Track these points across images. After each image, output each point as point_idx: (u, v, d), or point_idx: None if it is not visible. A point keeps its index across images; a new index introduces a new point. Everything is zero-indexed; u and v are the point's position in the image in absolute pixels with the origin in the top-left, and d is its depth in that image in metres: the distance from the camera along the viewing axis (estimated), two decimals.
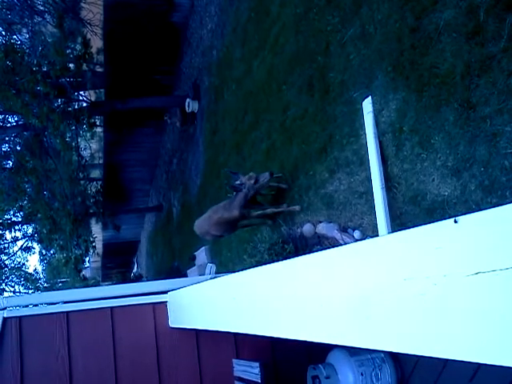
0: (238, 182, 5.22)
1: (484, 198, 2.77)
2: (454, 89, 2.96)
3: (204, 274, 8.28)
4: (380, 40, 3.78)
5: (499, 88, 2.65)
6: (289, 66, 5.53)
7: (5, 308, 2.94)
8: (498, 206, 0.72)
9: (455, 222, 0.78)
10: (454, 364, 2.35)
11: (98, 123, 11.96)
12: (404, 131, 3.45)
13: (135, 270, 26.10)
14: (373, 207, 3.70)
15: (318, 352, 2.99)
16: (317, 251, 1.23)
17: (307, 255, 1.27)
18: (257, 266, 1.63)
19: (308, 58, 5.01)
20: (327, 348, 2.97)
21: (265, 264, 1.54)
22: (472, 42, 2.83)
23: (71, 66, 9.47)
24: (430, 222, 0.86)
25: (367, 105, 3.83)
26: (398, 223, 3.51)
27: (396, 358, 2.85)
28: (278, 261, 1.44)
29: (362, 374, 2.77)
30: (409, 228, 0.91)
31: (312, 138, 4.82)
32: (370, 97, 3.82)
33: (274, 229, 5.67)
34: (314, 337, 1.23)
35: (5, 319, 2.87)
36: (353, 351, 2.83)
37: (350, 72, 4.18)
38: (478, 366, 2.14)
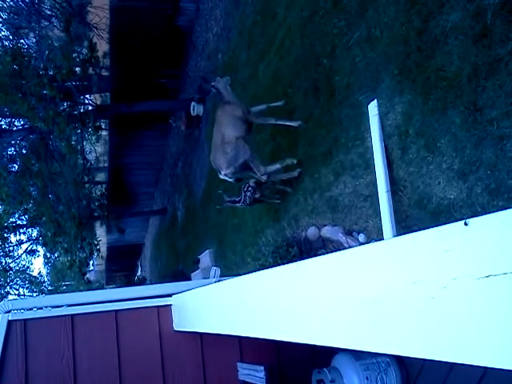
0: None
1: (490, 202, 2.75)
2: (461, 91, 2.95)
3: (208, 278, 8.27)
4: (386, 43, 3.77)
5: (506, 90, 2.63)
6: (294, 69, 5.53)
7: (10, 311, 2.94)
8: (505, 208, 0.71)
9: (465, 224, 0.77)
10: (461, 368, 2.33)
11: (103, 126, 12.00)
12: (410, 134, 3.44)
13: (139, 273, 26.15)
14: (378, 210, 3.68)
15: (322, 356, 2.97)
16: (322, 254, 1.22)
17: (315, 258, 1.26)
18: (261, 269, 1.62)
19: (314, 61, 5.01)
20: (332, 352, 2.95)
21: (269, 267, 1.53)
22: (479, 45, 2.82)
23: (77, 69, 9.51)
24: (435, 225, 0.84)
25: (373, 108, 3.82)
26: (404, 226, 3.50)
27: (401, 362, 2.83)
28: (282, 264, 1.43)
29: (367, 378, 2.75)
30: (415, 231, 0.90)
31: (317, 140, 4.82)
32: (375, 100, 3.82)
33: (278, 232, 5.66)
34: (322, 340, 1.22)
35: (10, 322, 2.87)
36: (358, 355, 2.81)
37: (356, 75, 4.18)
38: (485, 370, 2.12)
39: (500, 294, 0.71)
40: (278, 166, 5.11)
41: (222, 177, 5.17)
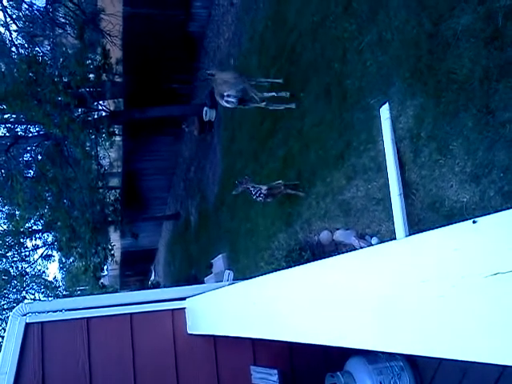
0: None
1: (504, 204, 2.74)
2: (473, 94, 2.95)
3: (221, 282, 8.28)
4: (397, 46, 3.78)
5: None
6: (306, 73, 5.55)
7: (27, 314, 2.99)
8: None
9: (474, 222, 0.79)
10: (475, 372, 2.32)
11: (116, 132, 12.11)
12: (422, 137, 3.43)
13: (153, 278, 26.23)
14: (391, 214, 3.68)
15: (336, 360, 2.97)
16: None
17: (326, 259, 1.28)
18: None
19: (325, 65, 5.03)
20: (345, 355, 2.95)
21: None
22: (490, 47, 2.82)
23: (91, 76, 9.64)
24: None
25: (385, 111, 3.82)
26: (416, 230, 3.48)
27: (415, 366, 2.82)
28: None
29: (380, 383, 2.74)
30: (426, 230, 0.91)
31: (329, 144, 4.82)
32: (387, 103, 3.82)
33: (291, 236, 5.67)
34: (333, 341, 1.23)
35: (27, 324, 2.92)
36: (371, 359, 2.81)
37: (367, 79, 4.19)
38: (500, 374, 2.11)
39: (508, 291, 0.72)
40: (273, 93, 5.91)
41: (224, 102, 5.74)
